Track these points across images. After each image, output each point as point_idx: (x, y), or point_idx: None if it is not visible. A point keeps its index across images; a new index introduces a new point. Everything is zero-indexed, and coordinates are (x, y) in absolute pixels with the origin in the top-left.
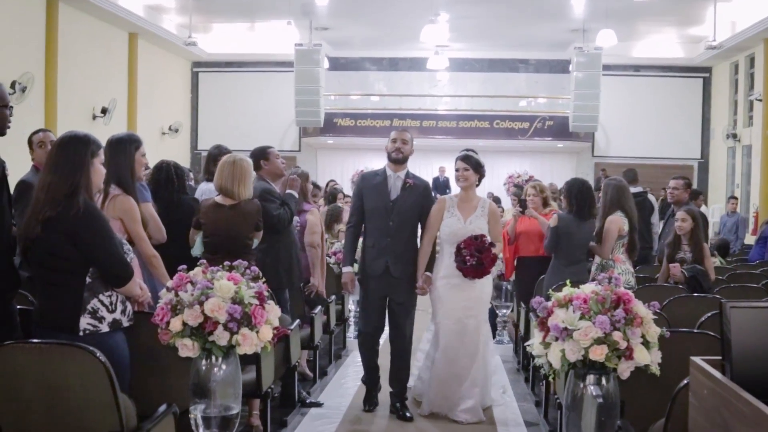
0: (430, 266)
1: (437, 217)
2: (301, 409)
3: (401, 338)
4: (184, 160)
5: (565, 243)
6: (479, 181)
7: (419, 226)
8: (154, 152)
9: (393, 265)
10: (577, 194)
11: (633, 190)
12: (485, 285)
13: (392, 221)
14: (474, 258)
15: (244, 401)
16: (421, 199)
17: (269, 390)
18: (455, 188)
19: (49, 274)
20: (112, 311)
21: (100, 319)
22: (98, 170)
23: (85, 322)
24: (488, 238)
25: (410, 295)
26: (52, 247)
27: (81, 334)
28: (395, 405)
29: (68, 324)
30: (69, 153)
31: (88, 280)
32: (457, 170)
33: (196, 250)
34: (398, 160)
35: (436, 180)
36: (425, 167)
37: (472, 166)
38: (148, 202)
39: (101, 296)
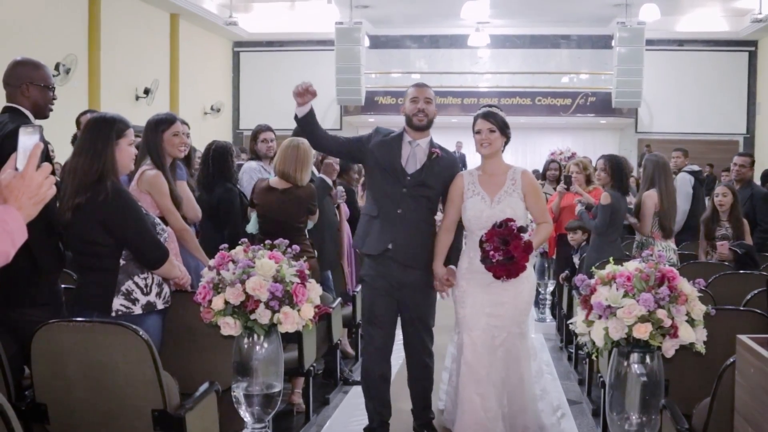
0: (455, 259)
1: (456, 198)
2: (343, 387)
3: (417, 352)
4: (226, 140)
5: (611, 220)
6: (504, 146)
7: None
8: (197, 132)
9: (396, 245)
10: (618, 169)
11: None
12: (522, 286)
13: (406, 187)
14: (500, 252)
15: (286, 379)
16: (449, 174)
17: (311, 368)
18: (473, 165)
19: (83, 258)
20: (147, 293)
21: (134, 301)
22: (125, 151)
23: (118, 303)
24: (516, 223)
25: (425, 293)
26: (83, 233)
27: (113, 315)
28: (418, 429)
29: (101, 305)
30: (93, 136)
31: (122, 262)
32: (478, 132)
33: (251, 227)
34: (422, 126)
35: None
36: (468, 146)
37: (499, 125)
38: (183, 180)
39: (136, 278)
